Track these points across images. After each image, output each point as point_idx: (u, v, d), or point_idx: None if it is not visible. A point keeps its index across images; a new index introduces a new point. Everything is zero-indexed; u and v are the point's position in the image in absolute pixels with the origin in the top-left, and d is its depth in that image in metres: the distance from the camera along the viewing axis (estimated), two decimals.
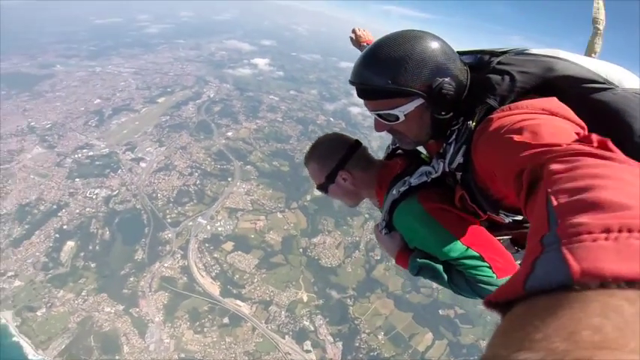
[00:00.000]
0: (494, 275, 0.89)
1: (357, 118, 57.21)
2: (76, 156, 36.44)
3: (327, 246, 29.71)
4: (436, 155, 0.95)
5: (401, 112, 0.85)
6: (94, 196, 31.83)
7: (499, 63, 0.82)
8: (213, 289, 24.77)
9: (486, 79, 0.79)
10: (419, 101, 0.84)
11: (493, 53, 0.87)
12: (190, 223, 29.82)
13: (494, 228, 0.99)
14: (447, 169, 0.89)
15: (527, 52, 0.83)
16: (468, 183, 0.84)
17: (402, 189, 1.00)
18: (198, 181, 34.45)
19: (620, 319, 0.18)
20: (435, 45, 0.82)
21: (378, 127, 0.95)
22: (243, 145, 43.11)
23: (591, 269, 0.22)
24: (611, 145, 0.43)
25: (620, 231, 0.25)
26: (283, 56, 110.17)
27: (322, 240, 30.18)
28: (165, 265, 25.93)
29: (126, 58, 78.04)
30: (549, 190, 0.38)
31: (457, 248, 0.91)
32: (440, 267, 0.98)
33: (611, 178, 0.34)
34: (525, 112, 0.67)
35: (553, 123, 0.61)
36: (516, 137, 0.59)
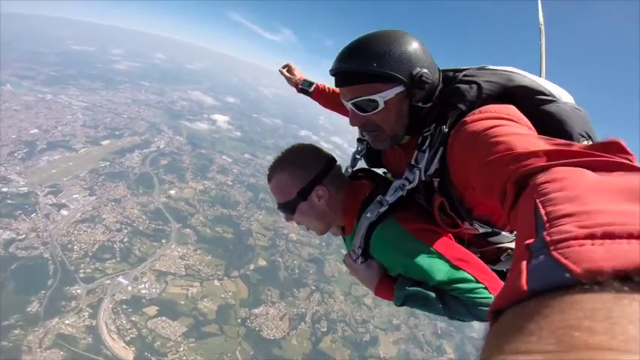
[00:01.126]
0: (491, 296, 0.90)
1: None
2: None
3: (270, 317, 29.76)
4: (407, 167, 0.99)
5: (381, 97, 0.91)
6: None
7: (465, 75, 0.94)
8: (126, 353, 23.79)
9: (456, 88, 0.91)
10: (399, 88, 0.91)
11: (456, 70, 1.01)
12: (108, 282, 29.08)
13: (463, 245, 1.05)
14: (424, 177, 0.94)
15: (486, 67, 0.98)
16: (447, 189, 0.90)
17: (382, 210, 0.99)
18: (126, 239, 33.92)
19: (610, 319, 0.20)
20: (415, 41, 0.93)
21: (354, 120, 0.99)
22: (186, 206, 43.58)
23: (591, 267, 0.24)
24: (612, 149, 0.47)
25: (602, 237, 0.27)
26: (244, 116, 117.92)
27: (265, 311, 30.26)
28: (67, 321, 24.39)
29: (83, 90, 78.41)
30: (537, 199, 0.42)
31: (448, 271, 0.91)
32: (432, 294, 0.95)
33: (594, 187, 0.37)
34: (496, 117, 0.76)
35: (526, 131, 0.71)
36: (495, 145, 0.65)
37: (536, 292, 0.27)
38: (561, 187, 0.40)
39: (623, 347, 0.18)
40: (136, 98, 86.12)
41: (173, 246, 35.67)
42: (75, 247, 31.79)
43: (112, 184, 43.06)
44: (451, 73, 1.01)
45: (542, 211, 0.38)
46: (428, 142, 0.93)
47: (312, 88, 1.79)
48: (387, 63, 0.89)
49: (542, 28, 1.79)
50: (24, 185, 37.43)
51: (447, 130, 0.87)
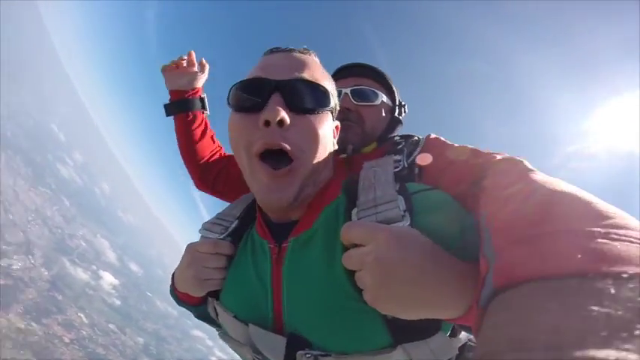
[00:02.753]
0: None
1: None
2: None
3: None
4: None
5: (380, 95, 1.08)
6: None
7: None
8: None
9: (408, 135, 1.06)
10: (389, 102, 1.11)
11: None
12: None
13: None
14: (407, 164, 0.90)
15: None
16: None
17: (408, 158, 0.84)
18: None
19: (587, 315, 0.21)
20: None
21: (345, 103, 1.03)
22: None
23: (504, 278, 0.29)
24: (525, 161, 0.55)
25: (532, 237, 0.31)
26: (137, 290, 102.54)
27: None
28: None
29: (5, 165, 71.51)
30: (483, 206, 0.46)
31: None
32: None
33: (532, 190, 0.41)
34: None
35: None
36: (461, 155, 0.73)
37: (484, 308, 0.30)
38: (505, 193, 0.44)
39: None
40: (42, 209, 76.96)
41: None
42: None
43: None
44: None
45: (486, 218, 0.42)
46: (403, 144, 0.97)
47: (205, 112, 1.18)
48: (392, 84, 1.14)
49: None
50: None
51: (417, 139, 0.98)
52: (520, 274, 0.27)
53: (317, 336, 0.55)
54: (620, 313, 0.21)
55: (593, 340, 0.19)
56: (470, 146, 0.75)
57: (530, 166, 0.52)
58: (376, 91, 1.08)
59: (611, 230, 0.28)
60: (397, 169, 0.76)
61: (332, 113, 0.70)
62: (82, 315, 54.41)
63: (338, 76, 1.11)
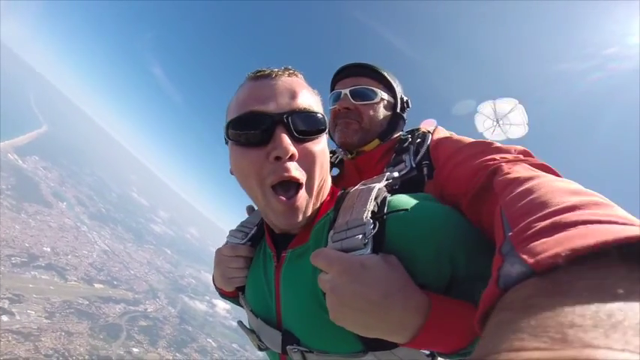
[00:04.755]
0: None
1: None
2: None
3: None
4: (393, 161, 0.97)
5: (380, 92, 1.08)
6: None
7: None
8: None
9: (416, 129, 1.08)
10: (390, 99, 1.11)
11: None
12: None
13: None
14: (414, 164, 0.91)
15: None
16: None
17: (403, 172, 0.87)
18: None
19: (597, 316, 0.20)
20: None
21: (343, 102, 1.08)
22: None
23: (543, 257, 0.27)
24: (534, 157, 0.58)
25: (555, 228, 0.31)
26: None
27: None
28: None
29: (114, 235, 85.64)
30: (501, 200, 0.46)
31: None
32: None
33: (546, 185, 0.43)
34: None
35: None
36: (469, 144, 0.78)
37: (506, 289, 0.29)
38: (523, 189, 0.45)
39: (618, 346, 0.17)
40: (152, 261, 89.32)
41: None
42: None
43: (75, 319, 38.60)
44: None
45: (507, 213, 0.42)
46: (409, 141, 0.99)
47: None
48: (393, 79, 1.14)
49: None
50: None
51: (424, 131, 1.00)
52: (540, 263, 0.27)
53: (303, 335, 0.65)
54: (629, 305, 0.20)
55: (602, 342, 0.18)
56: (481, 140, 0.77)
57: (540, 161, 0.57)
58: (374, 89, 1.09)
59: (629, 218, 0.29)
60: (404, 172, 0.87)
61: (326, 132, 0.73)
62: (210, 340, 60.45)
63: (337, 77, 1.15)
